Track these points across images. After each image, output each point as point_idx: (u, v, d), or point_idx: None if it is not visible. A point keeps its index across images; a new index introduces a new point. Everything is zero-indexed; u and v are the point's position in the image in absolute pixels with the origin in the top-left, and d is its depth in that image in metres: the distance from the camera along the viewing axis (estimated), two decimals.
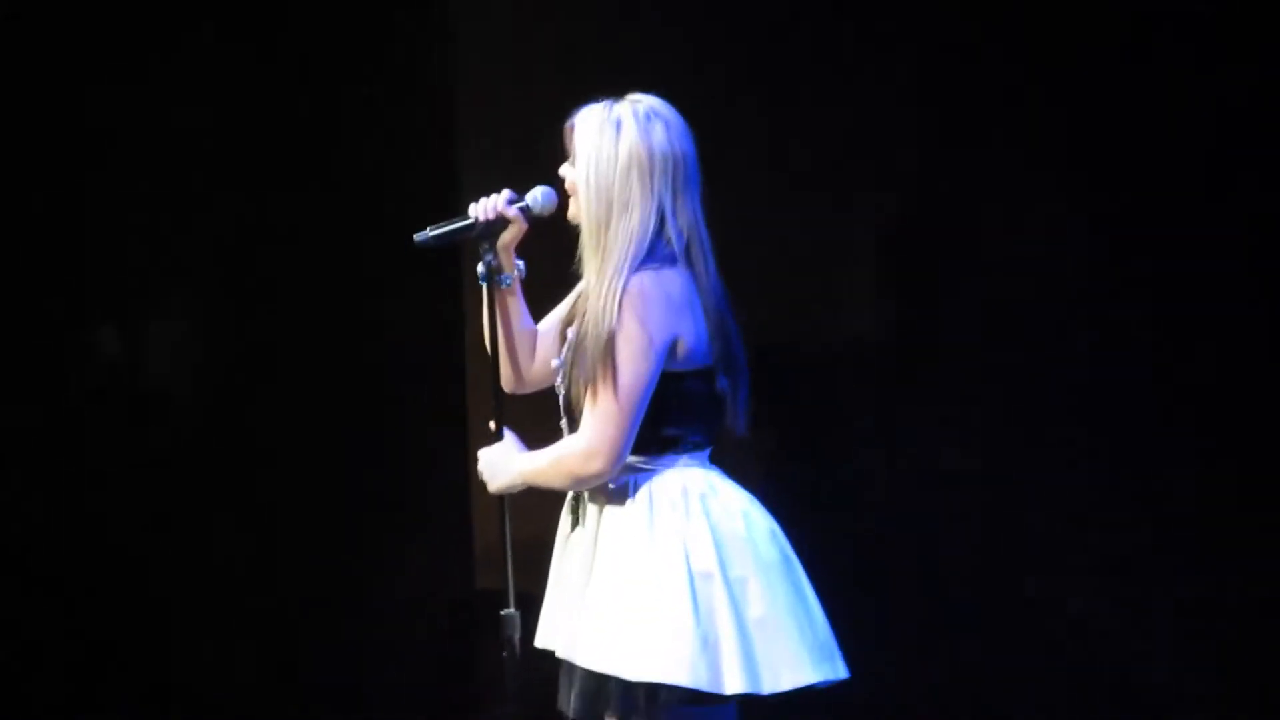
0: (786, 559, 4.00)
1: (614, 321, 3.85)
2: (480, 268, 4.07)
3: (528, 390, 4.21)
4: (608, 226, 3.92)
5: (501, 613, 3.93)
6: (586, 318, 3.91)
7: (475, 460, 4.06)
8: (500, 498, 4.04)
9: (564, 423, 4.07)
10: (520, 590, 3.97)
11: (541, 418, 4.19)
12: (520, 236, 4.10)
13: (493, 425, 4.08)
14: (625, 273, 3.89)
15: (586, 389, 3.89)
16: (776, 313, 5.61)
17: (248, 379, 6.51)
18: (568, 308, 4.17)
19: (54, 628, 6.37)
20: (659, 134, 3.94)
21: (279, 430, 6.47)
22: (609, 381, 3.86)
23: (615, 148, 3.92)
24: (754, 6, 5.87)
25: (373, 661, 6.47)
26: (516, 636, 3.93)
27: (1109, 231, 5.62)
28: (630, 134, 3.93)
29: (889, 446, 5.88)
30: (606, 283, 3.89)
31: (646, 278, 3.90)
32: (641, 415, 3.89)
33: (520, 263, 4.14)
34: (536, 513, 4.21)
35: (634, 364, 3.86)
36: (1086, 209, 5.64)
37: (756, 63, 5.89)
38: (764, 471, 4.11)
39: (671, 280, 3.92)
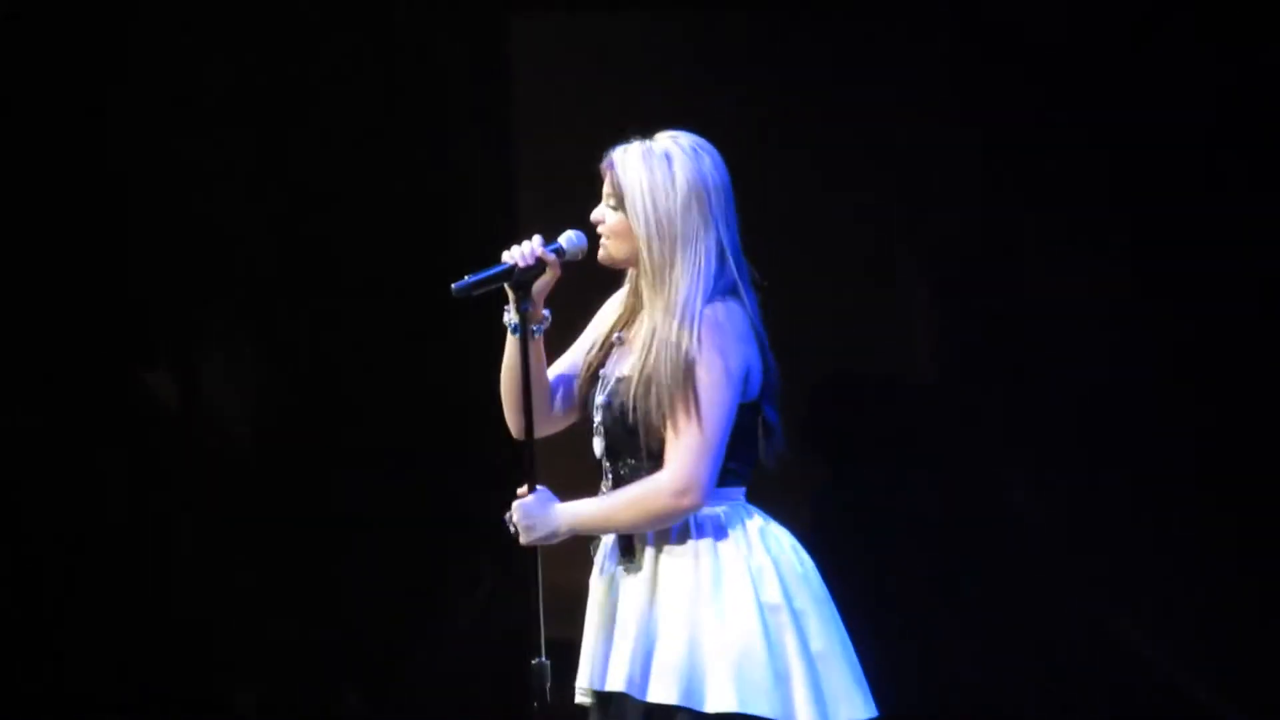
0: (828, 593, 4.00)
1: (692, 355, 3.82)
2: (511, 318, 4.01)
3: (537, 436, 4.15)
4: (673, 264, 3.89)
5: (532, 662, 3.89)
6: (655, 355, 3.86)
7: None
8: (535, 549, 3.98)
9: (605, 463, 4.02)
10: (553, 638, 3.92)
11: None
12: (554, 284, 4.05)
13: (524, 488, 3.99)
14: (697, 306, 3.86)
15: (668, 426, 3.84)
16: (803, 341, 5.61)
17: (307, 415, 6.55)
18: (596, 352, 4.11)
19: (113, 637, 6.41)
20: (709, 165, 3.94)
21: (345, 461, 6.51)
22: (694, 415, 3.83)
23: (672, 183, 3.90)
24: (793, 38, 5.88)
25: (421, 707, 6.47)
26: (548, 686, 3.88)
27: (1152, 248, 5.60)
28: (685, 168, 3.91)
29: (918, 474, 5.86)
30: (678, 319, 3.86)
31: (719, 309, 3.88)
32: (723, 453, 3.86)
33: (547, 312, 4.08)
34: (569, 558, 4.16)
35: (719, 395, 3.84)
36: (1128, 224, 5.61)
37: (795, 90, 5.90)
38: (791, 502, 4.07)
39: (737, 311, 3.91)
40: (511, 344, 4.02)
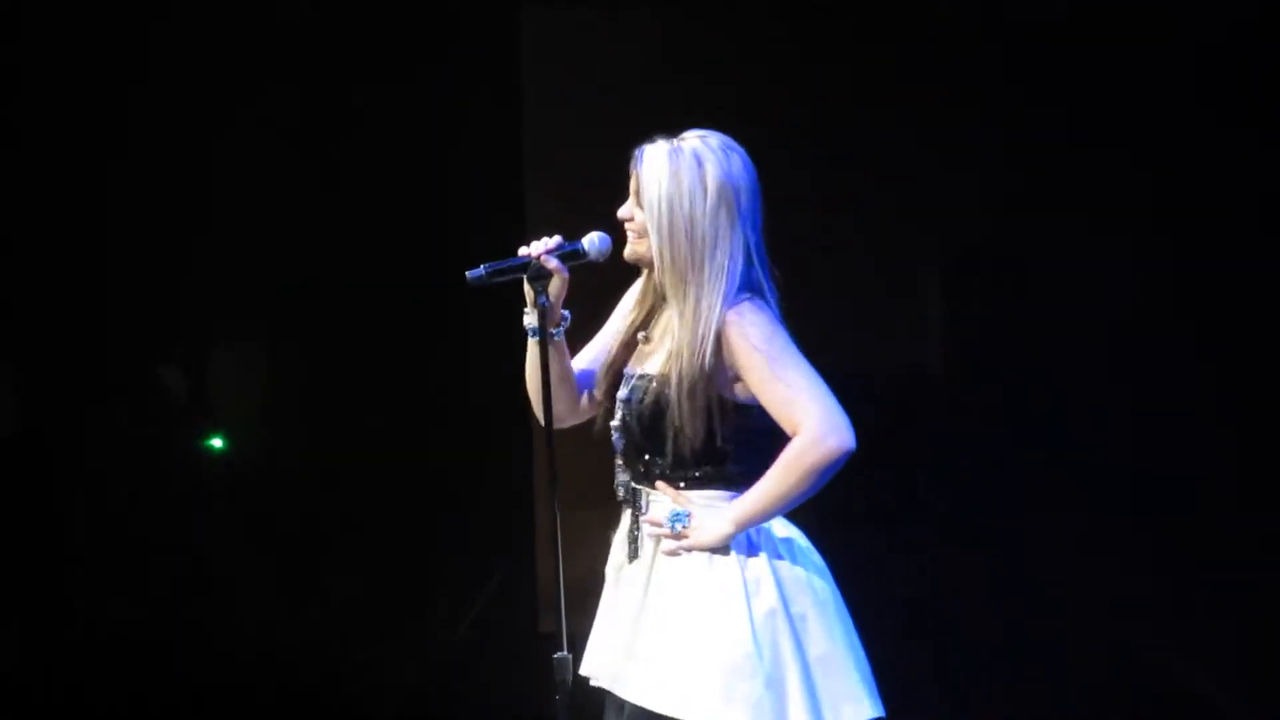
0: (837, 595, 3.97)
1: (740, 352, 3.81)
2: (530, 321, 3.99)
3: (562, 426, 4.14)
4: (701, 264, 3.86)
5: (554, 656, 3.89)
6: (684, 357, 3.84)
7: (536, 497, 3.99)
8: (555, 539, 3.96)
9: (621, 457, 4.02)
10: (574, 632, 3.92)
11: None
12: (564, 289, 4.01)
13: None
14: (718, 308, 3.84)
15: (776, 408, 3.81)
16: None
17: (311, 417, 6.56)
18: (611, 341, 4.10)
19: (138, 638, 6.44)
20: (738, 166, 3.91)
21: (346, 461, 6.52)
22: (793, 379, 3.80)
23: (701, 184, 3.88)
24: (814, 47, 5.89)
25: (431, 700, 6.47)
26: (569, 679, 3.88)
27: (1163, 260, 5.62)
28: (715, 168, 3.88)
29: (932, 473, 5.88)
30: (704, 318, 3.84)
31: (745, 307, 3.86)
32: (833, 393, 3.82)
33: (566, 313, 4.07)
34: (592, 553, 4.16)
35: (795, 355, 3.82)
36: (1141, 238, 5.63)
37: (813, 95, 5.91)
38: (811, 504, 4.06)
39: (763, 308, 3.89)
40: (532, 346, 4.00)
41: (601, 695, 4.02)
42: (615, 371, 4.06)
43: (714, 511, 3.88)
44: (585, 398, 4.12)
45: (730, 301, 3.86)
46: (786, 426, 3.83)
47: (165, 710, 6.46)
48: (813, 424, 3.79)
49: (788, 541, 3.95)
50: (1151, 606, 5.81)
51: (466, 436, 6.50)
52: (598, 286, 4.14)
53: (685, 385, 3.84)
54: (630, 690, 3.90)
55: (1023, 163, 5.86)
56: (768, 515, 3.88)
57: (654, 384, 3.91)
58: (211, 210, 6.53)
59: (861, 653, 3.97)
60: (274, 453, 6.62)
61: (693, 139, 3.94)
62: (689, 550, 3.89)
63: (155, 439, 6.57)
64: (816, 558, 3.99)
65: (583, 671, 4.02)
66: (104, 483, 6.52)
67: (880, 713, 3.93)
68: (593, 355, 4.14)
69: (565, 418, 4.10)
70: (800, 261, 4.09)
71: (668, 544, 3.91)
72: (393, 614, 6.52)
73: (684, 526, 3.89)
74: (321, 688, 6.49)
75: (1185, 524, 5.76)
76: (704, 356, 3.82)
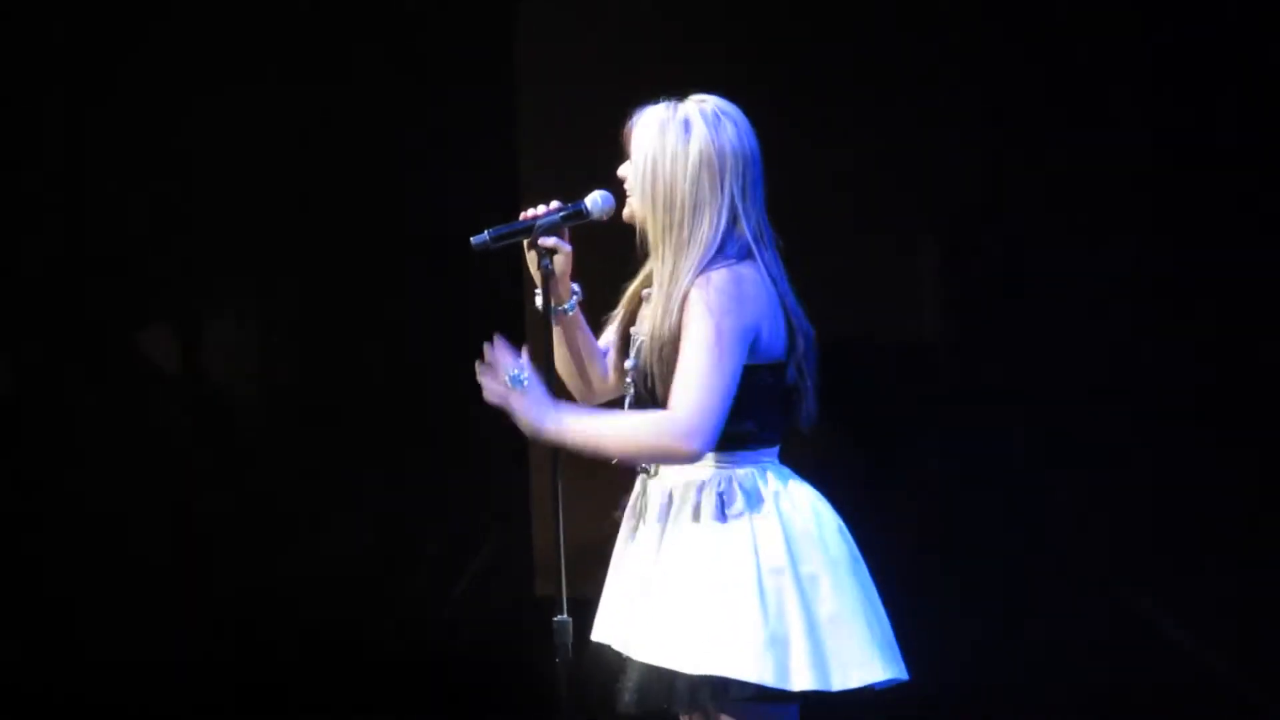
0: (854, 556, 3.98)
1: (690, 317, 3.82)
2: (539, 302, 4.00)
3: (598, 403, 4.16)
4: (680, 227, 3.88)
5: (554, 620, 3.90)
6: (658, 318, 3.88)
7: (535, 467, 3.99)
8: (556, 505, 3.97)
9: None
10: (576, 596, 3.92)
11: None
12: (569, 264, 4.04)
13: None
14: (697, 270, 3.86)
15: (674, 381, 3.82)
16: (837, 313, 5.64)
17: (304, 385, 6.55)
18: (624, 311, 4.12)
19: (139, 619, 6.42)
20: (729, 132, 3.92)
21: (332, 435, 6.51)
22: (700, 370, 3.80)
23: (685, 147, 3.89)
24: (821, 24, 5.89)
25: (430, 668, 6.47)
26: (569, 643, 3.89)
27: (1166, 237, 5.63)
28: (700, 134, 3.90)
29: (948, 444, 5.88)
30: (680, 281, 3.86)
31: (722, 274, 3.87)
32: (728, 407, 3.83)
33: (576, 287, 4.08)
34: (592, 518, 4.17)
35: (722, 352, 3.81)
36: (1141, 224, 5.64)
37: (817, 69, 5.91)
38: (826, 467, 4.04)
39: (748, 275, 3.89)
40: (555, 328, 4.02)
41: (603, 660, 4.03)
42: (623, 334, 4.10)
43: (546, 407, 3.87)
44: (612, 373, 4.14)
45: (705, 267, 3.87)
46: (670, 400, 3.83)
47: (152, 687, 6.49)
48: (689, 417, 3.80)
49: (799, 499, 3.95)
50: (1151, 585, 5.83)
51: (461, 404, 6.51)
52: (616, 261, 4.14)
53: (658, 345, 3.87)
54: (637, 648, 3.91)
55: (1022, 142, 5.87)
56: (582, 449, 3.87)
57: (647, 344, 3.93)
58: (199, 197, 6.53)
59: (880, 614, 3.98)
60: (266, 411, 6.62)
61: (691, 104, 3.96)
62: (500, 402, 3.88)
63: (145, 407, 6.58)
64: (836, 519, 3.99)
65: (599, 637, 4.04)
66: (89, 454, 6.52)
67: (898, 676, 3.93)
68: (613, 326, 4.16)
69: (597, 392, 4.13)
70: (794, 236, 4.10)
71: (489, 385, 3.90)
72: (386, 575, 6.53)
73: (521, 391, 3.88)
74: (312, 649, 6.51)
75: (1189, 501, 5.78)
76: (673, 317, 3.85)
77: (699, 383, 3.81)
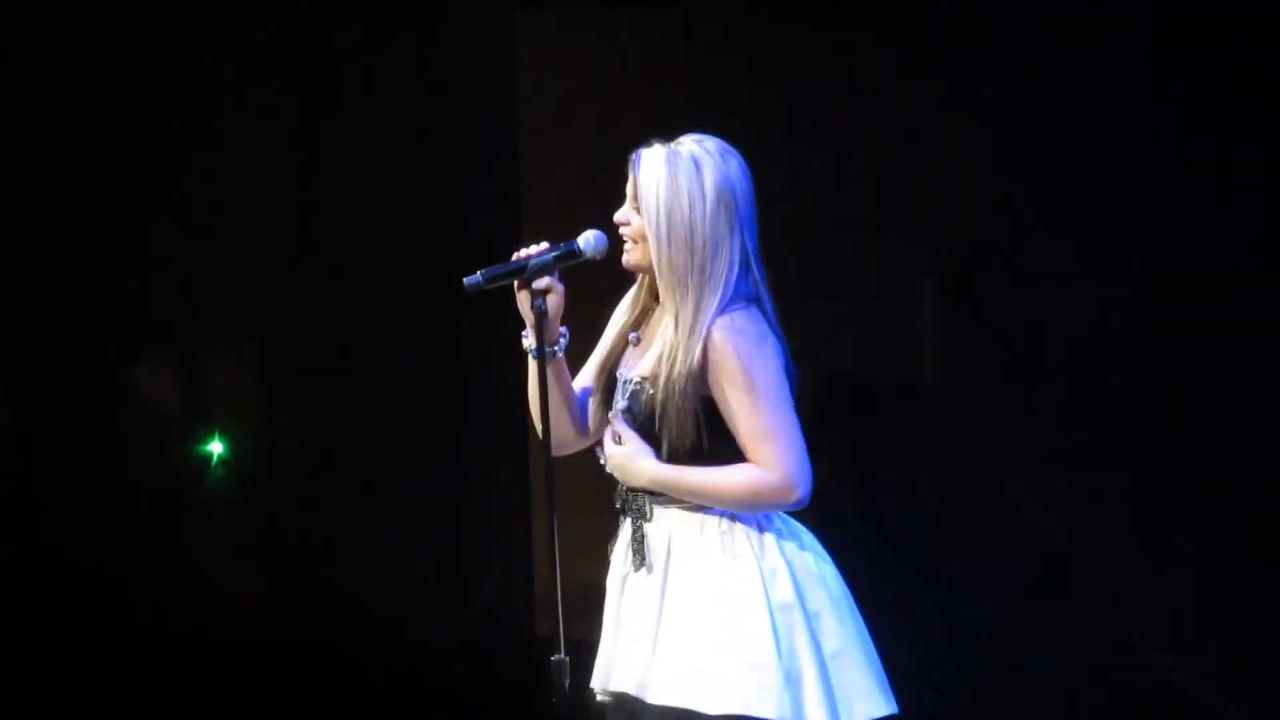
0: (847, 591, 4.00)
1: (728, 363, 3.82)
2: (529, 342, 3.97)
3: (571, 452, 4.15)
4: (701, 269, 3.86)
5: (551, 658, 3.90)
6: (676, 358, 3.85)
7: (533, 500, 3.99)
8: (551, 543, 3.97)
9: (610, 466, 4.03)
10: (573, 636, 3.92)
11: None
12: (562, 305, 4.01)
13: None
14: (711, 315, 3.85)
15: (743, 438, 3.83)
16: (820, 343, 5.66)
17: (304, 418, 6.56)
18: (604, 356, 4.10)
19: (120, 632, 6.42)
20: (735, 170, 3.91)
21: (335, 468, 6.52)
22: (771, 419, 3.82)
23: (701, 188, 3.87)
24: (807, 44, 5.91)
25: (428, 704, 6.47)
26: (566, 682, 3.88)
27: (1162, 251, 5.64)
28: (713, 173, 3.88)
29: (934, 473, 5.89)
30: (702, 322, 3.85)
31: (738, 317, 3.87)
32: (804, 440, 3.87)
33: (564, 330, 4.06)
34: (592, 556, 4.17)
35: (781, 394, 3.84)
36: (1137, 233, 5.65)
37: (809, 96, 5.93)
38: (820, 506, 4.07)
39: (756, 317, 3.91)
40: (533, 367, 3.99)
41: (599, 703, 4.03)
42: (609, 375, 4.07)
43: (646, 456, 3.90)
44: (590, 414, 4.11)
45: (726, 308, 3.87)
46: (752, 457, 3.84)
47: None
48: (786, 469, 3.83)
49: (797, 537, 3.97)
50: (1149, 610, 5.82)
51: (464, 439, 6.51)
52: (594, 299, 4.14)
53: (676, 387, 3.85)
54: (653, 691, 3.91)
55: (1019, 164, 5.87)
56: (685, 494, 3.90)
57: (648, 387, 3.92)
58: (200, 210, 6.53)
59: (874, 650, 4.00)
60: (268, 455, 6.62)
61: (689, 143, 3.94)
62: (617, 440, 3.93)
63: (144, 444, 6.58)
64: (825, 555, 4.01)
65: (599, 685, 4.03)
66: (89, 491, 6.52)
67: (893, 709, 3.96)
68: (591, 373, 4.13)
69: (571, 443, 4.10)
70: (791, 266, 4.10)
71: (618, 424, 3.93)
72: (387, 613, 6.53)
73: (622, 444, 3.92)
74: (309, 684, 6.50)
75: (1185, 519, 5.78)
76: (694, 358, 3.83)
77: (776, 431, 3.82)
